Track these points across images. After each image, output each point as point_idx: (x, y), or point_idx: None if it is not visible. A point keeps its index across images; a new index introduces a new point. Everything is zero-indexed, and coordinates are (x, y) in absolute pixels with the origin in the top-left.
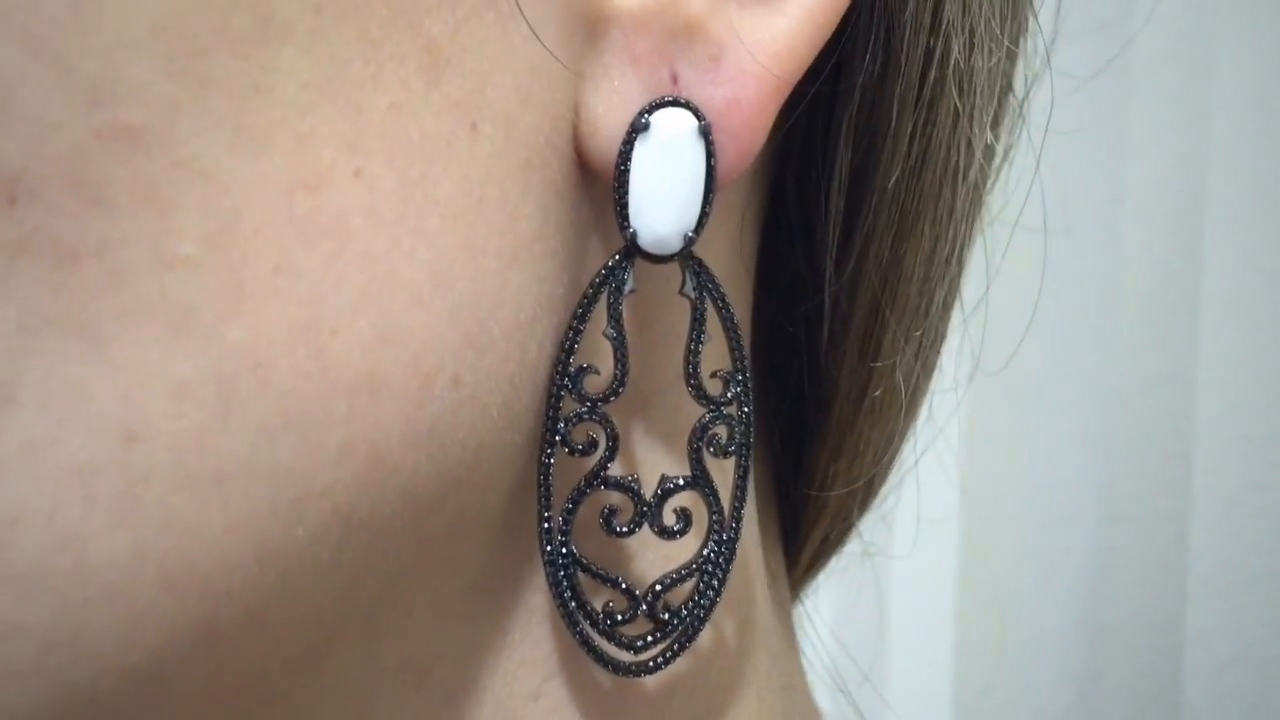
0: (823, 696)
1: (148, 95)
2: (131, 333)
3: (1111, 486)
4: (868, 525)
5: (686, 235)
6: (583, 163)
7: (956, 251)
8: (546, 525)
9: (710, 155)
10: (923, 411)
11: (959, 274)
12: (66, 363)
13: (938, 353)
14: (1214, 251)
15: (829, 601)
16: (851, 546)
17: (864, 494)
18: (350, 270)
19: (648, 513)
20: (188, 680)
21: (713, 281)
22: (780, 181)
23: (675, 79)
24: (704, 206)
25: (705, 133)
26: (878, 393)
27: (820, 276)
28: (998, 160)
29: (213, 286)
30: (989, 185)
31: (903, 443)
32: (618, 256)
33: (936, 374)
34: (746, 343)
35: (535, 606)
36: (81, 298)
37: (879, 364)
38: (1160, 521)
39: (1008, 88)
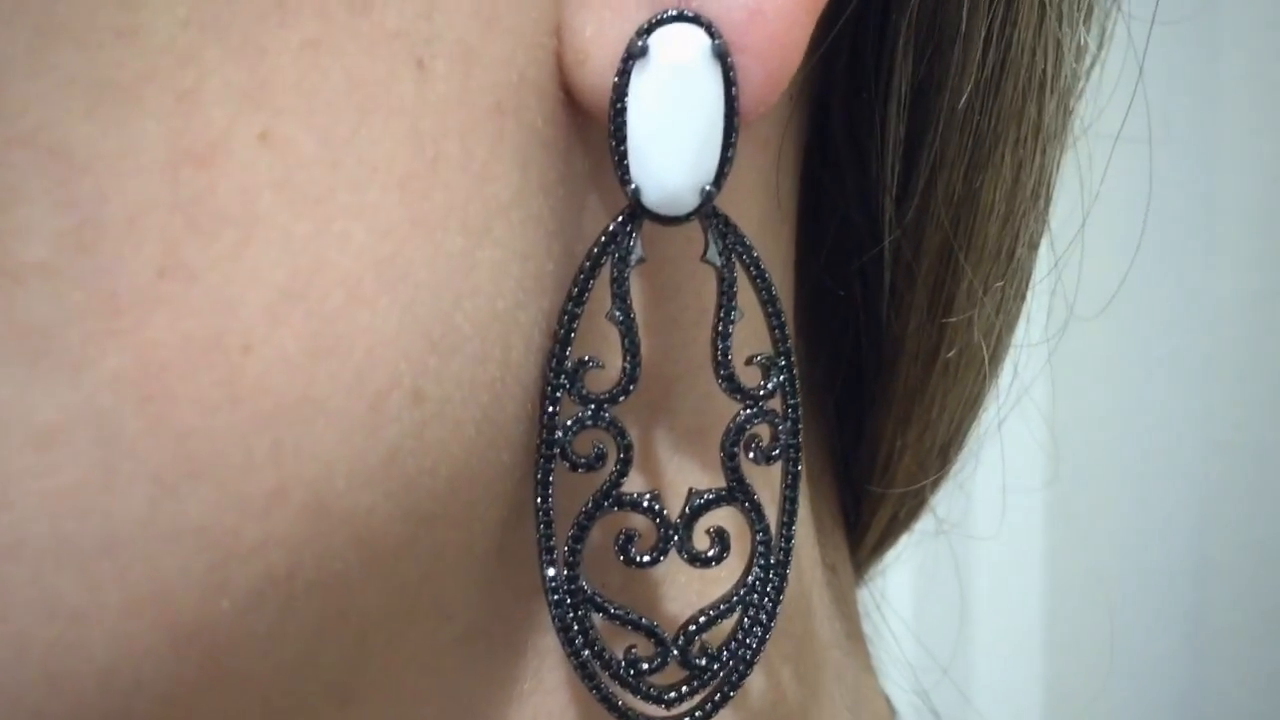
0: (899, 698)
1: None
2: None
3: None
4: (942, 499)
5: (705, 189)
6: (573, 100)
7: (1046, 180)
8: (549, 557)
9: (730, 84)
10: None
11: (1046, 207)
12: None
13: (1022, 300)
14: None
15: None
16: (925, 524)
17: (938, 467)
18: (263, 267)
19: (674, 536)
20: None
21: (743, 244)
22: (824, 108)
23: None
24: (725, 150)
25: (722, 54)
26: (951, 353)
27: (877, 221)
28: (1089, 60)
29: (76, 300)
30: (1078, 92)
31: (982, 409)
32: (620, 219)
33: (1022, 324)
34: (790, 318)
35: (546, 649)
36: None
37: (952, 320)
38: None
39: None
